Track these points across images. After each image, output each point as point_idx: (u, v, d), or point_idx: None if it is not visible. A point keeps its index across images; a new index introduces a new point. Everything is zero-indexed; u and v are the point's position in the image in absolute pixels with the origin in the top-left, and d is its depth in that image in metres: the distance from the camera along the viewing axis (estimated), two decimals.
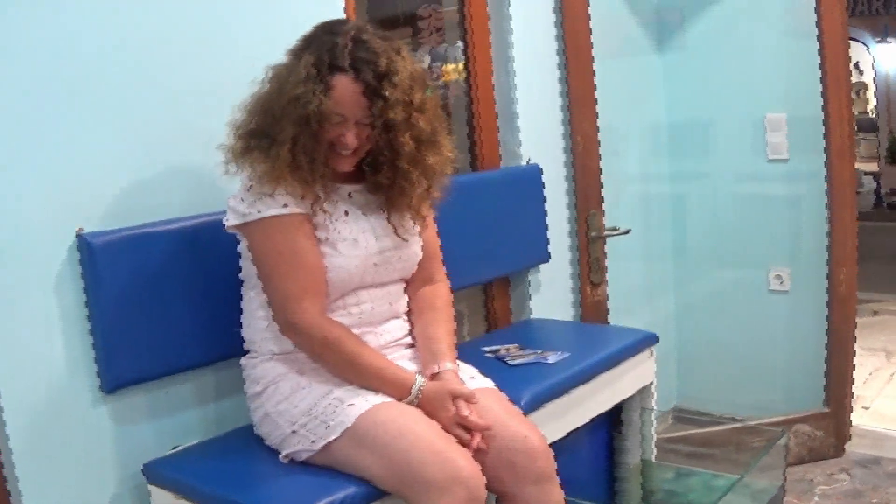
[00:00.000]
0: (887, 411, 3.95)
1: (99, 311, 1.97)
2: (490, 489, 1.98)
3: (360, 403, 1.89)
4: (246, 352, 2.09)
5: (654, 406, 2.77)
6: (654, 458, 2.84)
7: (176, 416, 2.16)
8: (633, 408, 2.78)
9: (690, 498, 2.68)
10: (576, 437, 2.60)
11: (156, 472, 2.02)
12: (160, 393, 2.13)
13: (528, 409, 2.24)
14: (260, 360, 2.04)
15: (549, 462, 2.00)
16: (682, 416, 3.42)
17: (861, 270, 3.46)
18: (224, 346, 2.15)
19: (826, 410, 3.46)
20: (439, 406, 1.92)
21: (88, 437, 2.01)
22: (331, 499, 1.81)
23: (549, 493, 2.00)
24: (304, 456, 1.93)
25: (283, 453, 1.96)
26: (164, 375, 2.10)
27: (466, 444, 1.90)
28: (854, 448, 3.57)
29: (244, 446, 2.07)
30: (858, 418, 3.80)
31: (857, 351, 3.63)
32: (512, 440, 1.97)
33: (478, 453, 1.93)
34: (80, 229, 1.96)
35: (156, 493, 2.02)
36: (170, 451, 2.10)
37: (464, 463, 1.81)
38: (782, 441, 2.53)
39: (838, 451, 3.51)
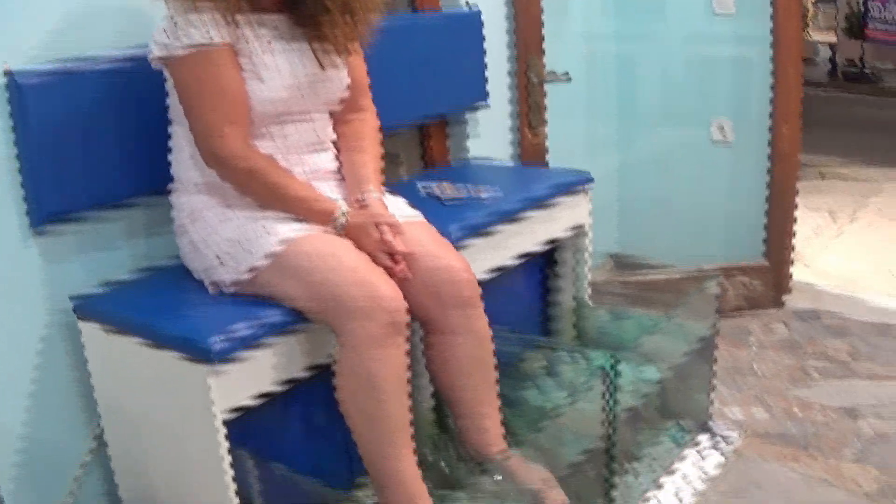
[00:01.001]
0: (829, 269, 3.98)
1: (27, 147, 1.92)
2: (415, 316, 1.99)
3: (284, 231, 1.87)
4: (174, 185, 2.06)
5: (589, 247, 2.77)
6: (587, 299, 2.84)
7: (106, 252, 2.13)
8: (567, 249, 2.78)
9: (623, 338, 2.69)
10: (510, 276, 2.61)
11: (84, 306, 2.00)
12: (90, 229, 2.09)
13: (457, 241, 2.22)
14: (186, 191, 2.01)
15: (473, 290, 2.01)
16: (621, 263, 3.42)
17: (812, 136, 3.47)
18: (154, 179, 2.11)
19: (765, 262, 3.48)
20: (363, 233, 1.91)
21: (18, 274, 1.99)
22: (254, 325, 1.81)
23: (474, 320, 2.02)
24: (230, 284, 1.92)
25: (209, 283, 1.94)
26: (94, 209, 2.06)
27: (390, 271, 1.90)
28: (794, 301, 3.61)
29: (173, 279, 2.06)
30: (800, 274, 3.83)
31: (802, 210, 3.65)
32: (436, 268, 1.98)
33: (402, 281, 1.92)
34: (6, 66, 1.89)
35: (85, 327, 2.01)
36: (99, 286, 2.07)
37: (386, 288, 1.81)
38: (714, 284, 2.53)
39: (777, 303, 3.54)
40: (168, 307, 1.93)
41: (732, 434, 2.70)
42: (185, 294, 1.98)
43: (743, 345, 3.28)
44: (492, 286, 2.46)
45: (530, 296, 2.82)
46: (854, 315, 3.50)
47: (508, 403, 2.40)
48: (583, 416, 2.12)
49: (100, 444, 2.13)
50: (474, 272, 2.06)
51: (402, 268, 1.92)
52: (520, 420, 2.40)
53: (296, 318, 1.87)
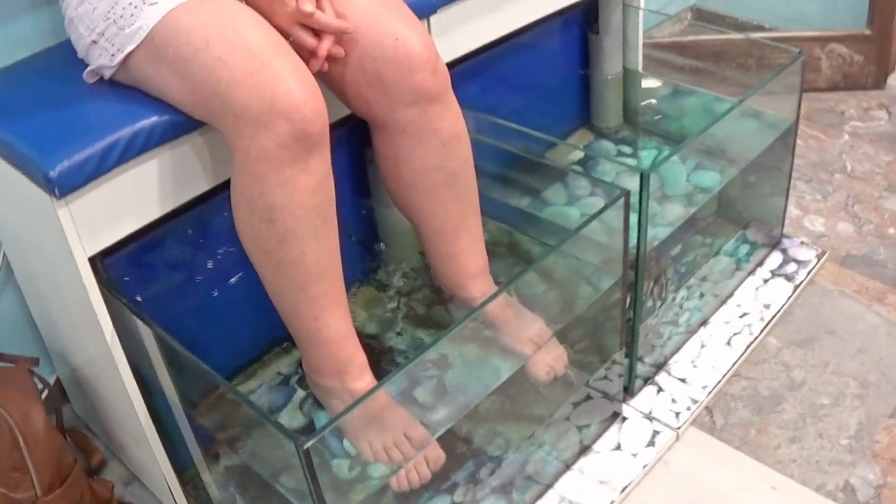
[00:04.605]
0: None
1: None
2: (356, 111, 1.42)
3: (164, 2, 1.24)
4: None
5: (642, 2, 2.06)
6: (639, 68, 2.16)
7: (5, 28, 1.56)
8: (612, 3, 2.07)
9: (683, 123, 2.01)
10: (539, 37, 1.95)
11: None
12: None
13: (423, 10, 1.55)
14: None
15: (434, 76, 1.38)
16: (702, 17, 2.68)
17: None
18: None
19: (868, 32, 2.70)
20: None
21: None
22: (122, 134, 1.23)
23: (437, 117, 1.40)
24: (108, 73, 1.33)
25: (87, 71, 1.35)
26: None
27: (312, 55, 1.29)
28: None
29: (59, 63, 1.46)
30: None
31: None
32: (379, 45, 1.35)
33: (334, 65, 1.33)
34: None
35: None
36: None
37: (290, 85, 1.19)
38: (799, 61, 1.83)
39: (879, 82, 2.78)
40: (28, 108, 1.34)
41: (809, 256, 2.05)
42: (61, 87, 1.38)
43: (834, 132, 2.58)
44: (507, 52, 1.83)
45: (565, 61, 2.13)
46: None
47: (512, 219, 1.81)
48: (603, 246, 1.51)
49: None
50: (457, 48, 1.43)
51: (324, 50, 1.29)
52: (531, 241, 1.80)
53: (181, 121, 1.29)
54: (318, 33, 1.29)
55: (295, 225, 1.24)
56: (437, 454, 1.34)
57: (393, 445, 1.31)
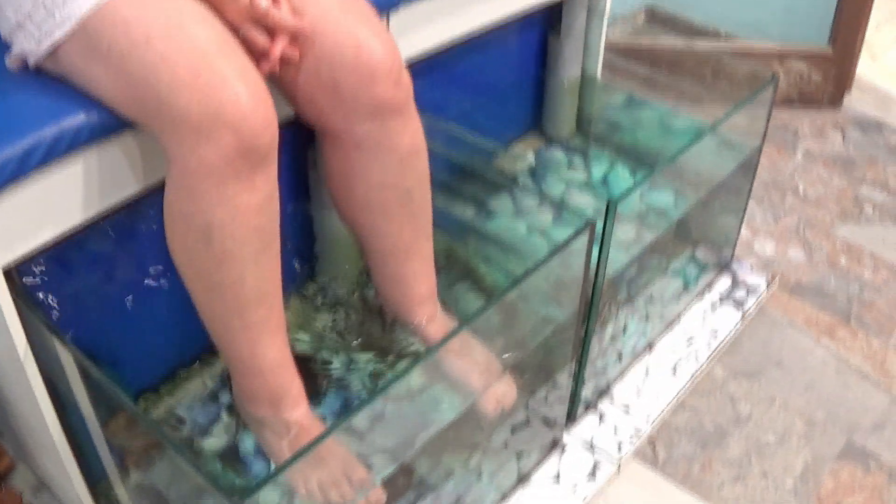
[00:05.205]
0: None
1: None
2: (306, 119, 1.29)
3: None
4: None
5: (607, 8, 1.96)
6: (598, 74, 2.06)
7: None
8: (577, 6, 1.97)
9: (637, 136, 1.93)
10: (497, 37, 1.84)
11: None
12: None
13: (383, 5, 1.43)
14: None
15: (397, 87, 1.26)
16: (656, 19, 2.57)
17: None
18: None
19: (829, 51, 2.64)
20: None
21: None
22: (40, 135, 1.10)
23: (397, 132, 1.28)
24: (33, 60, 1.19)
25: (10, 56, 1.21)
26: None
27: (263, 56, 1.17)
28: (854, 104, 2.79)
29: None
30: (864, 68, 2.98)
31: None
32: (337, 50, 1.23)
33: (286, 69, 1.21)
34: None
35: None
36: None
37: (238, 90, 1.07)
38: (769, 88, 1.75)
39: (835, 101, 2.74)
40: None
41: (759, 282, 1.99)
42: None
43: (788, 151, 2.52)
44: (461, 51, 1.74)
45: (522, 63, 2.02)
46: None
47: (459, 230, 1.71)
48: (558, 271, 1.42)
49: None
50: (416, 47, 1.34)
51: (277, 51, 1.17)
52: (477, 256, 1.71)
53: (110, 121, 1.16)
54: (271, 32, 1.17)
55: (235, 247, 1.12)
56: (378, 497, 1.25)
57: (331, 485, 1.21)
